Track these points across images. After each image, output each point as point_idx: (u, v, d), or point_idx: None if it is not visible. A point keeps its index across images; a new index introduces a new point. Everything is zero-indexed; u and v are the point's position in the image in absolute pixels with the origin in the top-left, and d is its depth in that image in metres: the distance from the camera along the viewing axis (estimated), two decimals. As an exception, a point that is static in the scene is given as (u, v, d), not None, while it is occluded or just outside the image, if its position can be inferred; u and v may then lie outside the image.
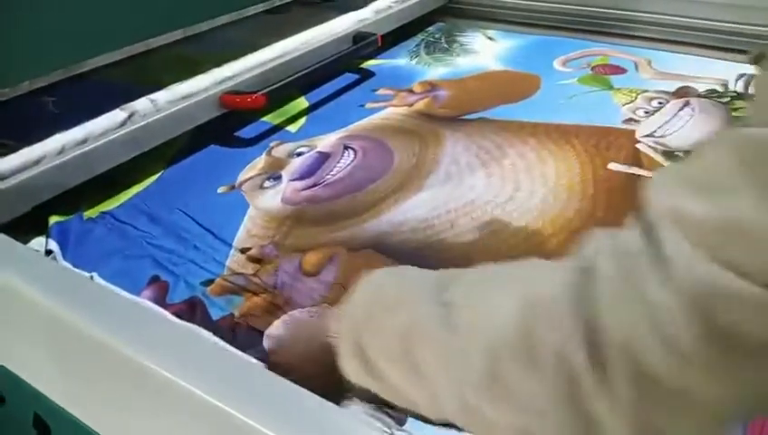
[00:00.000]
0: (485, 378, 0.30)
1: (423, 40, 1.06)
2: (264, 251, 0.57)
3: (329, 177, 0.69)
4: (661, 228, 0.27)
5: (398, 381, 0.35)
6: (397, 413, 0.39)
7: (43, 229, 0.61)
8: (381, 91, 0.88)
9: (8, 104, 0.73)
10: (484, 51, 1.00)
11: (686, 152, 0.69)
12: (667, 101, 0.80)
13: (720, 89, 0.83)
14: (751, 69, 0.86)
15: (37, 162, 0.61)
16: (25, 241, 0.58)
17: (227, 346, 0.45)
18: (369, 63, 0.97)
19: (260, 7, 1.03)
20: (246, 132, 0.79)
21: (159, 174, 0.70)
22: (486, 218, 0.61)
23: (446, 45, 1.04)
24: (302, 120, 0.82)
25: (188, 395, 0.33)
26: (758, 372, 0.25)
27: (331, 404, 0.38)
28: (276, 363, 0.44)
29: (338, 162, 0.71)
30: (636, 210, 0.29)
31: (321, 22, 0.94)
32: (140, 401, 0.39)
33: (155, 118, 0.69)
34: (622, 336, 0.26)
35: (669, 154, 0.69)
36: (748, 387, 0.26)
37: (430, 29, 1.10)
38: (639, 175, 0.66)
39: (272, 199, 0.65)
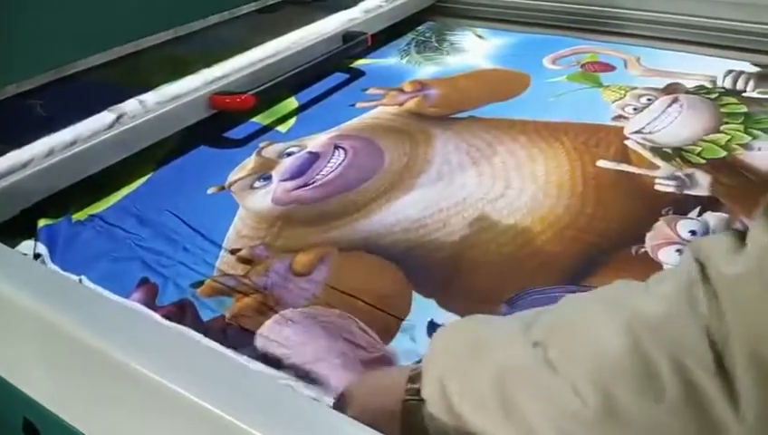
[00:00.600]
0: (600, 412, 0.28)
1: (413, 39, 1.06)
2: (255, 252, 0.57)
3: (319, 177, 0.69)
4: None
5: (491, 427, 0.32)
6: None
7: (31, 233, 0.60)
8: (371, 91, 0.88)
9: (-5, 107, 0.72)
10: (474, 49, 1.00)
11: (675, 149, 0.70)
12: (656, 98, 0.80)
13: (708, 85, 0.83)
14: (739, 64, 0.87)
15: (25, 165, 0.60)
16: (14, 245, 0.57)
17: (218, 347, 0.45)
18: (360, 63, 0.97)
19: (251, 6, 1.03)
20: (236, 133, 0.79)
21: (149, 176, 0.70)
22: (477, 217, 0.61)
23: (435, 44, 1.04)
24: (293, 121, 0.82)
25: (178, 398, 0.33)
26: None
27: (324, 405, 0.38)
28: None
29: (328, 162, 0.71)
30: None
31: (312, 21, 0.93)
32: (130, 405, 0.39)
33: (144, 119, 0.69)
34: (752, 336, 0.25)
35: (658, 150, 0.69)
36: None
37: (420, 28, 1.10)
38: (628, 172, 0.67)
39: (262, 200, 0.65)
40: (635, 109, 0.79)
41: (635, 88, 0.83)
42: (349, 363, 0.45)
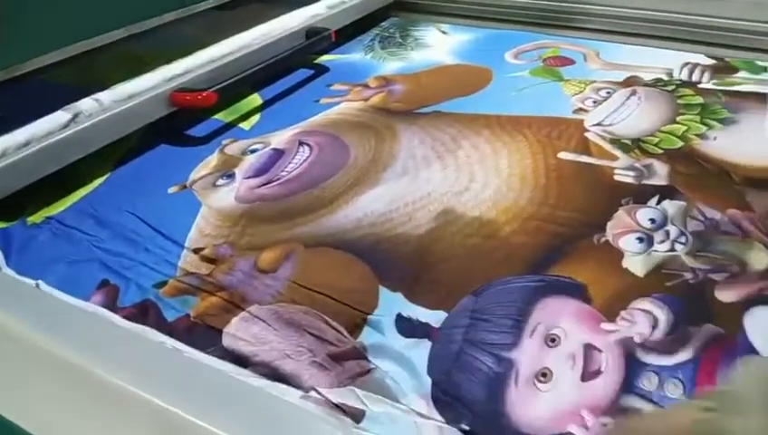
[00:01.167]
0: None
1: (377, 35, 1.06)
2: (219, 251, 0.56)
3: (284, 173, 0.68)
4: None
5: None
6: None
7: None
8: (336, 87, 0.88)
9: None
10: (438, 45, 1.01)
11: (634, 140, 0.71)
12: (615, 91, 0.82)
13: (665, 77, 0.85)
14: (695, 57, 0.89)
15: (-24, 167, 0.58)
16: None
17: (178, 345, 0.44)
18: (324, 59, 0.96)
19: (209, 3, 1.01)
20: (198, 130, 0.77)
21: (107, 176, 0.68)
22: (443, 210, 0.61)
23: (400, 40, 1.04)
24: (256, 118, 0.81)
25: (135, 398, 0.33)
26: None
27: (289, 401, 0.37)
28: None
29: (293, 159, 0.70)
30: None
31: (274, 17, 0.92)
32: (90, 407, 0.38)
33: (101, 118, 0.67)
34: None
35: (617, 142, 0.71)
36: None
37: (384, 24, 1.09)
38: (589, 163, 0.68)
39: (225, 198, 0.64)
40: (595, 102, 0.80)
41: (594, 81, 0.85)
42: (317, 359, 0.45)
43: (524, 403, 0.42)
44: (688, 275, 0.51)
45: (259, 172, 0.68)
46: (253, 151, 0.72)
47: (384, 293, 0.51)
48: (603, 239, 0.56)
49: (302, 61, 0.92)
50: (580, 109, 0.79)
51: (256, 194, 0.65)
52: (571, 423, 0.40)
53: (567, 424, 0.40)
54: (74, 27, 0.81)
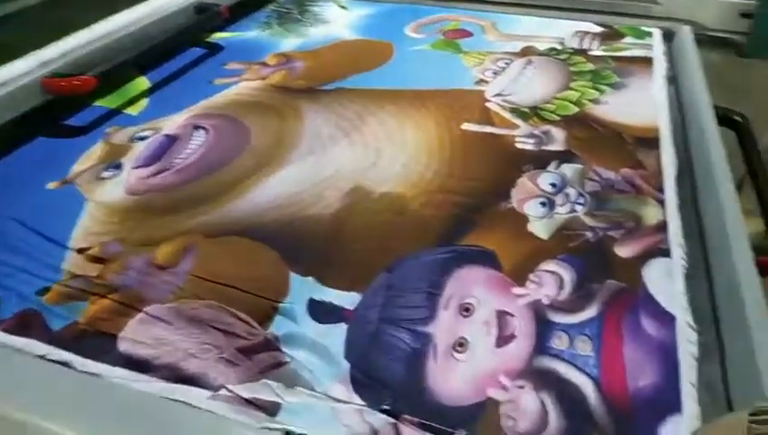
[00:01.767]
0: None
1: (274, 11, 1.02)
2: (108, 249, 0.51)
3: (178, 160, 0.63)
4: None
5: None
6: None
7: None
8: (232, 66, 0.83)
9: None
10: (337, 20, 0.98)
11: (532, 108, 0.73)
12: (512, 61, 0.84)
13: (558, 46, 0.88)
14: (585, 26, 0.93)
15: None
16: None
17: (65, 356, 0.40)
18: (217, 37, 0.91)
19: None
20: (78, 119, 0.70)
21: (-26, 175, 0.61)
22: (351, 188, 0.60)
23: (298, 16, 1.00)
24: (144, 102, 0.75)
25: (13, 423, 0.29)
26: None
27: (191, 405, 0.35)
28: None
29: (188, 144, 0.66)
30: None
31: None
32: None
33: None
34: None
35: (517, 111, 0.72)
36: None
37: (280, -1, 1.05)
38: (491, 133, 0.69)
39: (113, 191, 0.59)
40: (494, 72, 0.81)
41: (493, 53, 0.86)
42: (225, 354, 0.42)
43: (444, 376, 0.42)
44: (589, 235, 0.53)
45: (150, 161, 0.63)
46: (142, 139, 0.67)
47: (295, 278, 0.49)
48: (509, 206, 0.57)
49: (192, 39, 0.86)
50: (481, 80, 0.79)
51: (149, 184, 0.60)
52: (490, 389, 0.40)
53: (486, 390, 0.40)
54: None
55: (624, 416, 0.39)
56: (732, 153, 0.63)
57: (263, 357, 0.42)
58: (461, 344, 0.43)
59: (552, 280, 0.48)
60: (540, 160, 0.63)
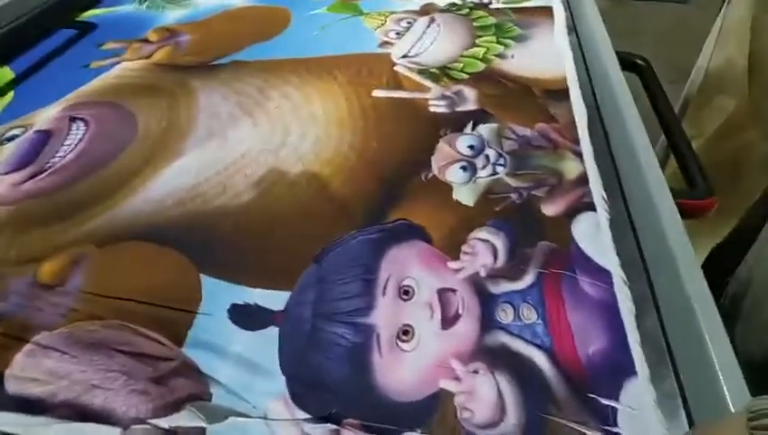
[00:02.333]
0: None
1: (151, -20, 0.91)
2: (-22, 274, 0.44)
3: (56, 160, 0.55)
4: None
5: None
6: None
7: None
8: (109, 46, 0.74)
9: None
10: (225, -14, 0.90)
11: (440, 68, 0.70)
12: (415, 20, 0.80)
13: (458, 1, 0.85)
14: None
15: None
16: None
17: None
18: (89, 15, 0.81)
19: None
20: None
21: None
22: (262, 172, 0.54)
23: (179, -16, 0.91)
24: (9, 96, 0.65)
25: None
26: None
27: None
28: None
29: (65, 140, 0.57)
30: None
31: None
32: None
33: None
34: None
35: (425, 72, 0.69)
36: None
37: (157, -33, 0.95)
38: (403, 98, 0.65)
39: (-21, 204, 0.51)
40: (398, 33, 0.77)
41: (394, 12, 0.82)
42: (134, 382, 0.37)
43: (392, 369, 0.39)
44: (514, 196, 0.52)
45: (22, 164, 0.55)
46: (10, 139, 0.58)
47: (207, 282, 0.44)
48: (431, 175, 0.54)
49: (60, 20, 0.76)
50: (385, 42, 0.75)
51: (23, 191, 0.52)
52: (442, 378, 0.38)
53: (438, 380, 0.38)
54: None
55: (581, 387, 0.37)
56: (636, 97, 0.64)
57: (180, 383, 0.37)
58: (405, 332, 0.40)
59: (486, 248, 0.46)
60: (455, 123, 0.61)
